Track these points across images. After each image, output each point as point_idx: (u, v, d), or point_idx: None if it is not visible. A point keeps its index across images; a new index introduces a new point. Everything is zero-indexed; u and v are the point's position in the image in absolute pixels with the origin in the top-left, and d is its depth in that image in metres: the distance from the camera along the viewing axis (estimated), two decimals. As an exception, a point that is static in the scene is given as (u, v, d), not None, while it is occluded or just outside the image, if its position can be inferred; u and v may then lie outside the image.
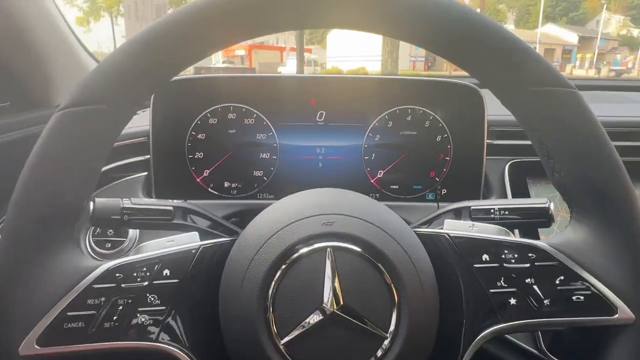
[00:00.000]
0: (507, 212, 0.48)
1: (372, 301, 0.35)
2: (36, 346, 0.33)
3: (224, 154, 0.69)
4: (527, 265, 0.38)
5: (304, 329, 0.34)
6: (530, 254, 0.38)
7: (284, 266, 0.35)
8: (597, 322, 0.36)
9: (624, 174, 0.36)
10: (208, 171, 0.69)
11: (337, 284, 0.34)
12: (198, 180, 0.69)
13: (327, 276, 0.35)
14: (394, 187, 0.70)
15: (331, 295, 0.34)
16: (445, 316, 0.39)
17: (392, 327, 0.34)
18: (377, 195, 0.70)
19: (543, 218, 0.47)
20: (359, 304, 0.34)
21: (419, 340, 0.35)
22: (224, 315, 0.37)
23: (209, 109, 0.68)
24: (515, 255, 0.38)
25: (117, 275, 0.36)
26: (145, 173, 0.69)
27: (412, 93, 0.69)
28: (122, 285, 0.36)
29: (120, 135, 0.68)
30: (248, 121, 0.68)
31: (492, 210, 0.48)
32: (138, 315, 0.35)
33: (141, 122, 0.70)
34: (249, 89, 0.68)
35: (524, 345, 0.59)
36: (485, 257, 0.39)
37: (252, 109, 0.68)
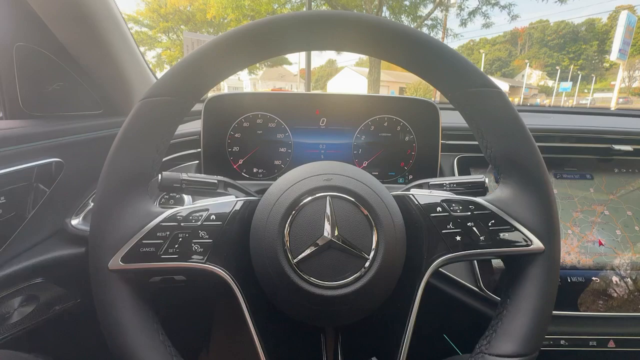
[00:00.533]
0: (455, 185, 0.48)
1: (359, 234, 0.36)
2: (120, 262, 0.34)
3: (254, 148, 0.70)
4: (469, 213, 0.39)
5: (310, 252, 0.35)
6: (470, 206, 0.39)
7: (296, 209, 0.36)
8: (517, 251, 0.37)
9: (536, 148, 0.37)
10: (242, 160, 0.70)
11: (334, 221, 0.36)
12: (235, 166, 0.70)
13: (326, 216, 0.36)
14: (375, 173, 0.71)
15: (329, 228, 0.35)
16: (411, 250, 0.39)
17: (372, 251, 0.35)
18: None
19: (480, 188, 0.48)
20: (349, 235, 0.35)
21: (392, 262, 0.36)
22: (253, 246, 0.38)
23: (244, 116, 0.69)
24: (460, 207, 0.39)
25: (178, 216, 0.37)
26: (197, 161, 0.70)
27: (388, 106, 0.70)
28: (182, 224, 0.37)
29: (180, 134, 0.70)
30: (271, 125, 0.70)
31: (444, 184, 0.48)
32: (192, 245, 0.36)
33: (194, 126, 0.72)
34: (273, 102, 0.70)
35: (468, 284, 0.60)
36: (438, 209, 0.40)
37: (274, 116, 0.70)
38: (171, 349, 0.36)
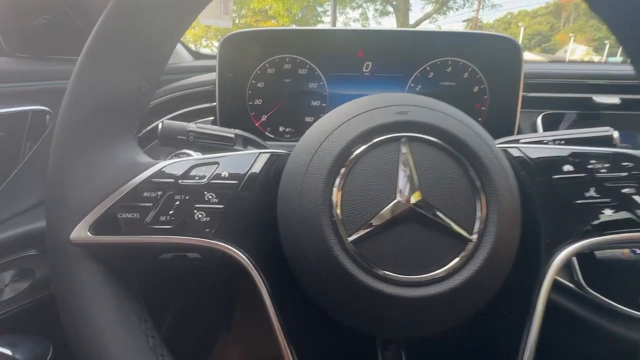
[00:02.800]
0: (562, 143, 0.34)
1: (456, 198, 0.22)
2: (88, 233, 0.23)
3: (280, 101, 0.57)
4: (624, 174, 0.24)
5: (374, 226, 0.22)
6: (625, 163, 0.24)
7: (350, 158, 0.23)
8: None
9: None
10: (265, 116, 0.58)
11: (414, 177, 0.22)
12: (257, 124, 0.58)
13: (401, 169, 0.22)
14: None
15: (407, 188, 0.22)
16: (525, 231, 0.26)
17: (478, 228, 0.22)
18: None
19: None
20: (439, 200, 0.22)
21: (507, 248, 0.23)
22: (283, 217, 0.25)
23: (268, 60, 0.56)
24: (606, 165, 0.25)
25: (175, 172, 0.25)
26: (212, 118, 0.58)
27: (452, 46, 0.54)
28: (180, 182, 0.25)
29: (190, 83, 0.58)
30: (301, 71, 0.56)
31: (544, 141, 0.34)
32: (195, 212, 0.24)
33: (209, 77, 0.60)
34: (304, 42, 0.56)
35: (559, 278, 0.45)
36: (566, 167, 0.25)
37: (305, 60, 0.56)
38: (166, 359, 0.25)
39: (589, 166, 0.25)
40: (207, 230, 0.24)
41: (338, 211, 0.22)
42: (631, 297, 0.42)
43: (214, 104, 0.57)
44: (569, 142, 0.34)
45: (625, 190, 0.24)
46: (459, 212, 0.22)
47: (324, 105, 0.57)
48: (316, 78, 0.56)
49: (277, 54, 0.55)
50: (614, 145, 0.34)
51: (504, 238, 0.22)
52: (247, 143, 0.40)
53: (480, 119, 0.55)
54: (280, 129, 0.58)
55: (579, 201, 0.25)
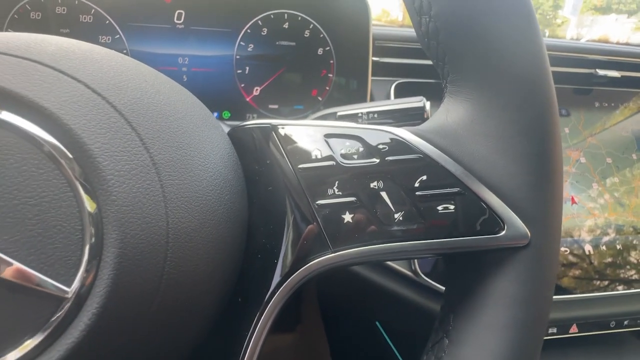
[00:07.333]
0: (376, 115, 0.29)
1: (35, 227, 0.12)
2: None
3: None
4: (374, 161, 0.17)
5: None
6: (381, 146, 0.18)
7: None
8: (471, 245, 0.16)
9: (533, 20, 0.16)
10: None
11: None
12: None
13: None
14: (273, 106, 0.47)
15: None
16: (253, 245, 0.18)
17: (78, 279, 0.13)
18: (254, 115, 0.47)
19: (417, 119, 0.29)
20: (4, 231, 0.12)
21: (132, 302, 0.14)
22: None
23: (23, 1, 0.39)
24: (360, 149, 0.18)
25: None
26: None
27: None
28: None
29: None
30: (85, 19, 0.41)
31: (359, 115, 0.29)
32: None
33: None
34: None
35: (399, 267, 0.42)
36: (316, 153, 0.18)
37: (90, 4, 0.41)
38: None
39: (341, 151, 0.18)
40: None
41: None
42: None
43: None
44: (381, 114, 0.29)
45: (372, 185, 0.17)
46: (41, 251, 0.12)
47: (127, 67, 0.43)
48: (108, 29, 0.41)
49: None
50: (425, 119, 0.29)
51: (138, 293, 0.13)
52: None
53: (327, 88, 0.47)
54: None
55: (320, 202, 0.17)
